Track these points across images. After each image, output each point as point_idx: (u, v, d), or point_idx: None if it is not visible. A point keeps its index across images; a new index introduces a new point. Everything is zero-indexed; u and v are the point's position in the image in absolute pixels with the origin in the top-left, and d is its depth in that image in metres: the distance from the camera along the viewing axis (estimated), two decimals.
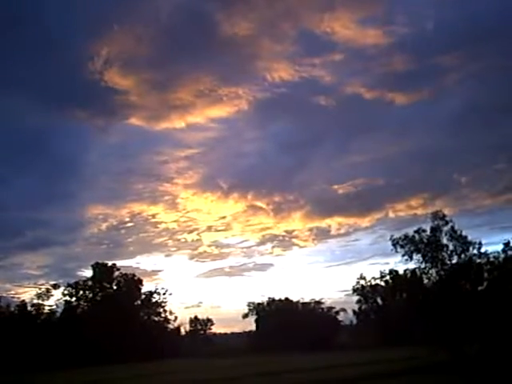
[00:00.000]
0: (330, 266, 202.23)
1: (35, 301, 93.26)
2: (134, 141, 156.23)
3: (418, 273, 50.72)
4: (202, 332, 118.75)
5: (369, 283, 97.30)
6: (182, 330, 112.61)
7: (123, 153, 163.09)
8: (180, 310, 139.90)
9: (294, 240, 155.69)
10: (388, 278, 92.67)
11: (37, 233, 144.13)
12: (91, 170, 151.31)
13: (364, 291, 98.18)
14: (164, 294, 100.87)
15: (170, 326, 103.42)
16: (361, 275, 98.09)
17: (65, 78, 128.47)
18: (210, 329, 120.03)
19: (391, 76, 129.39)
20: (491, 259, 50.10)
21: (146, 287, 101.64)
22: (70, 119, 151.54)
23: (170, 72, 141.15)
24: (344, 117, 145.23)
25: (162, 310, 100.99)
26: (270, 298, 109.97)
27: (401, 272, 57.52)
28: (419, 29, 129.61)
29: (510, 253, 51.17)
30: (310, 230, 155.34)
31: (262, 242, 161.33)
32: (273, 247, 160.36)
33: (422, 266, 49.50)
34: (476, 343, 45.29)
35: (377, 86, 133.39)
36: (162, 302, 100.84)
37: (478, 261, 49.44)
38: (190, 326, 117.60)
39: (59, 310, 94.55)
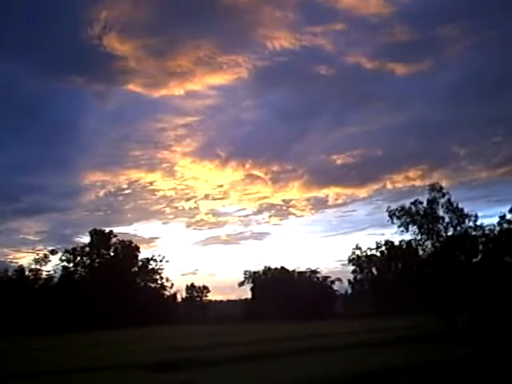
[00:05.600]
0: (326, 236, 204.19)
1: (33, 266, 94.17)
2: (132, 107, 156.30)
3: (413, 244, 50.99)
4: (198, 299, 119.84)
5: (364, 253, 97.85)
6: (179, 297, 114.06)
7: (121, 119, 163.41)
8: (176, 277, 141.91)
9: (291, 209, 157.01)
10: (384, 248, 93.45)
11: (34, 198, 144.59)
12: (89, 135, 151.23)
13: (359, 261, 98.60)
14: (161, 261, 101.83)
15: (167, 293, 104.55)
16: (356, 245, 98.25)
17: (63, 43, 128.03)
18: (206, 296, 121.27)
19: (392, 46, 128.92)
20: (486, 232, 50.49)
21: (143, 254, 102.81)
22: (68, 84, 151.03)
23: (170, 38, 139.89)
24: (344, 87, 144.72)
25: (158, 276, 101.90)
26: (266, 267, 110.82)
27: (396, 243, 57.64)
28: None
29: (505, 226, 51.57)
30: (308, 199, 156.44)
31: (259, 211, 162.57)
32: (270, 216, 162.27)
33: (418, 237, 49.80)
34: (467, 313, 45.87)
35: (378, 56, 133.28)
36: (159, 268, 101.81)
37: (474, 233, 49.78)
38: (187, 293, 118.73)
39: (57, 275, 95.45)
